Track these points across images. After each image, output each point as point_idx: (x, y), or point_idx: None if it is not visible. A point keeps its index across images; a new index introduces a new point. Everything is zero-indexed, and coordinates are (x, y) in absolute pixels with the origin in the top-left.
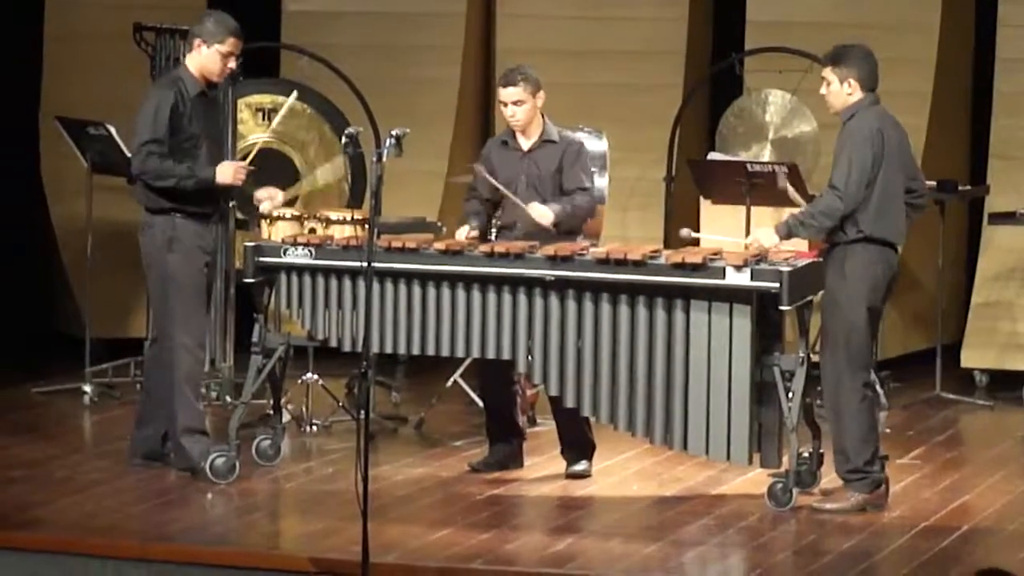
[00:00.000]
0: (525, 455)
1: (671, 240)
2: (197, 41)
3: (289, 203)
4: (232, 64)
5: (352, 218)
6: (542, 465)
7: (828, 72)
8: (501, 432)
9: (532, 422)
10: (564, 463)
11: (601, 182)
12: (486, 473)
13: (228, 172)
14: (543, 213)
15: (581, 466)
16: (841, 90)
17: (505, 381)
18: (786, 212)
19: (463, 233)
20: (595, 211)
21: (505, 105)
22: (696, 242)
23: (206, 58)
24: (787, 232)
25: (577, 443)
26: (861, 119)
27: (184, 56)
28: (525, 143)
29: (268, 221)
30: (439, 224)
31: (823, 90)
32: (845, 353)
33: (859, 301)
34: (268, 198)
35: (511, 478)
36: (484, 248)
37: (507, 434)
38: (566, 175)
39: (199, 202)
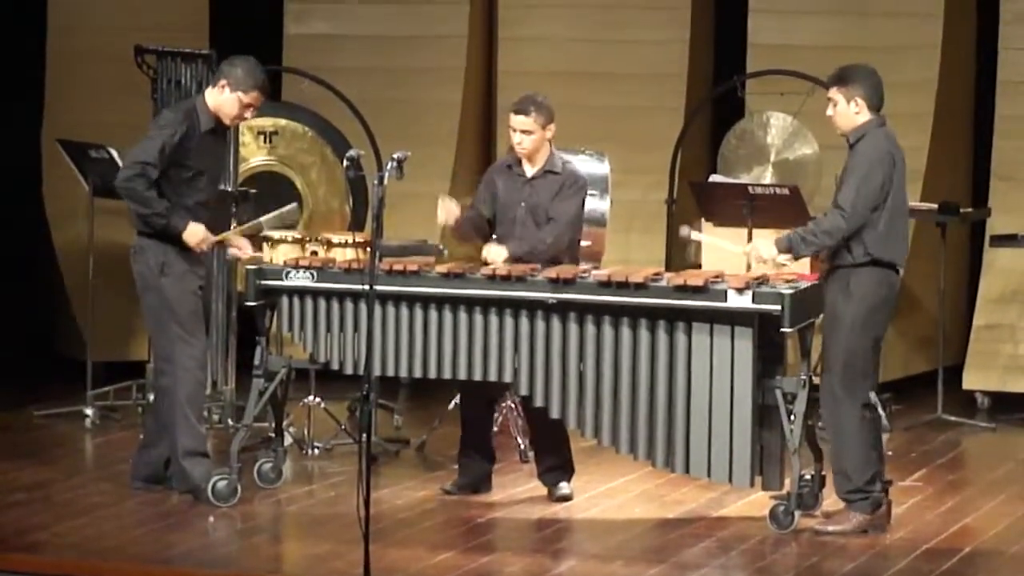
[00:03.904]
0: (528, 477)
1: (673, 262)
2: (223, 82)
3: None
4: (249, 115)
5: (354, 241)
6: (542, 488)
7: (834, 92)
8: (474, 453)
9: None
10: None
11: (603, 204)
12: (458, 495)
13: (197, 236)
14: (496, 254)
15: (564, 489)
16: (848, 110)
17: (487, 403)
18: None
19: (448, 209)
20: (564, 243)
21: (514, 131)
22: (696, 244)
23: (226, 101)
24: (787, 246)
25: (558, 464)
26: (872, 141)
27: (202, 86)
28: (530, 170)
29: (270, 244)
30: (440, 247)
31: (829, 111)
32: (846, 374)
33: (863, 323)
34: (237, 248)
35: (512, 501)
36: (486, 271)
37: (480, 456)
38: (557, 204)
39: None
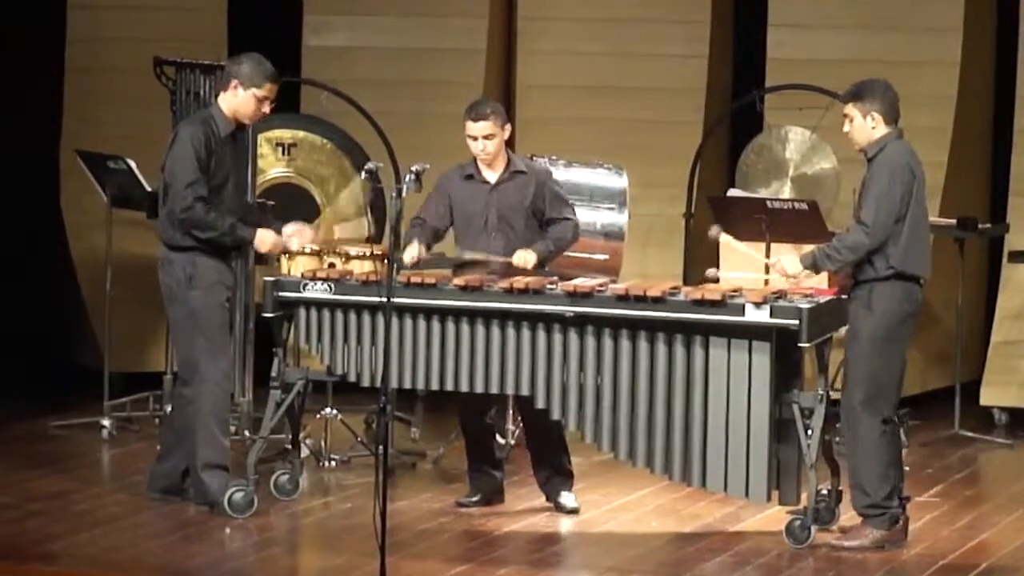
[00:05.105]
0: (536, 491)
1: (691, 276)
2: (234, 83)
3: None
4: (266, 109)
5: (371, 253)
6: None
7: (850, 108)
8: (482, 465)
9: None
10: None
11: (621, 218)
12: (472, 508)
13: (268, 242)
14: (527, 258)
15: (569, 500)
16: (865, 124)
17: (481, 412)
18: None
19: (412, 252)
20: (577, 236)
21: (474, 139)
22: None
23: (241, 101)
24: (812, 263)
25: (557, 472)
26: (890, 153)
27: (215, 94)
28: (492, 176)
29: (288, 256)
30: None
31: (846, 127)
32: (867, 388)
33: (885, 337)
34: (296, 233)
35: (528, 513)
36: (503, 284)
37: (488, 467)
38: (549, 207)
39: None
